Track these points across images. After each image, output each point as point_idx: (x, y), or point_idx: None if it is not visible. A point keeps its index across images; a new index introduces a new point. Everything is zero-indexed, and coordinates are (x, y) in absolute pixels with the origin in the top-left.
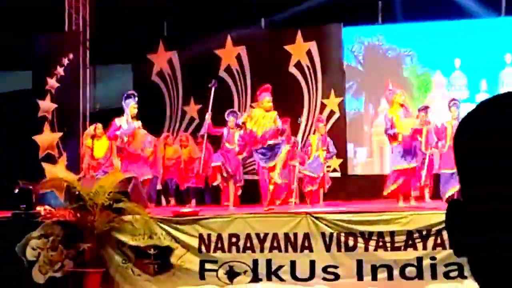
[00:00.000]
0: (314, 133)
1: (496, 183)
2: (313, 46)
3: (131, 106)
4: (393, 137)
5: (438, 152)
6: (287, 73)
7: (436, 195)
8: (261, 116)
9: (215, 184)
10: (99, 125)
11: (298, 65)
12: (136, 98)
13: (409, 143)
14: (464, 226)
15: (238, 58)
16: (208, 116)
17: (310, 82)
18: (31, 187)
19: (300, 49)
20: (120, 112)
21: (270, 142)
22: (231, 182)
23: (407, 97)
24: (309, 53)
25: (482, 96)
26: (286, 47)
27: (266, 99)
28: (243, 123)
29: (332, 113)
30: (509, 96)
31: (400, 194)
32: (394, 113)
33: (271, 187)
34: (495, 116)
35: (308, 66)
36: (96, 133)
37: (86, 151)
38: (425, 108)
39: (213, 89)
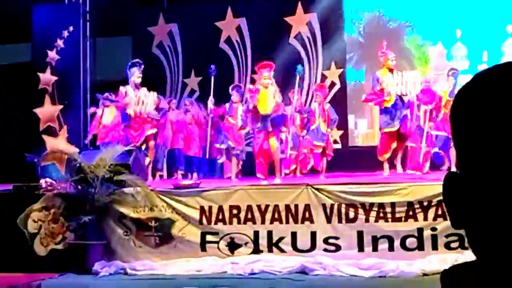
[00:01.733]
0: (315, 101)
1: (493, 155)
2: (313, 17)
3: (135, 74)
4: (379, 97)
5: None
6: (287, 45)
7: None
8: (262, 96)
9: (219, 161)
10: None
11: (299, 37)
12: (142, 66)
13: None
14: (461, 198)
15: (239, 29)
16: (210, 102)
17: (310, 53)
18: (36, 160)
19: (301, 21)
20: (119, 84)
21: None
22: (233, 156)
23: (408, 68)
24: (309, 24)
25: (483, 67)
26: (287, 19)
27: (264, 75)
28: (254, 107)
29: (333, 84)
30: (507, 66)
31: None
32: (383, 74)
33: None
34: (493, 87)
35: (308, 38)
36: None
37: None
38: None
39: (212, 76)
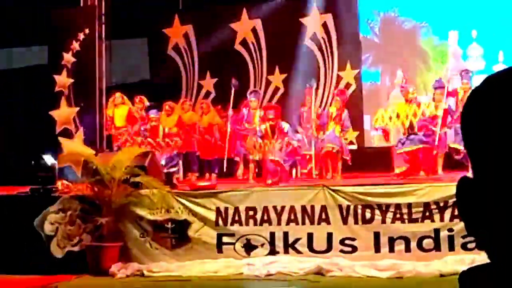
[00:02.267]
0: (331, 105)
1: (506, 160)
2: (328, 18)
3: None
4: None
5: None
6: (302, 46)
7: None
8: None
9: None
10: (117, 94)
11: (314, 38)
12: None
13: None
14: (474, 203)
15: (254, 31)
16: (231, 112)
17: (326, 54)
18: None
19: (316, 21)
20: (135, 86)
21: None
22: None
23: (423, 68)
24: (324, 25)
25: (499, 67)
26: (302, 20)
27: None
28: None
29: (348, 85)
30: None
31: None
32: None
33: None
34: (505, 90)
35: (323, 39)
36: (116, 102)
37: (108, 120)
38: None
39: (233, 88)
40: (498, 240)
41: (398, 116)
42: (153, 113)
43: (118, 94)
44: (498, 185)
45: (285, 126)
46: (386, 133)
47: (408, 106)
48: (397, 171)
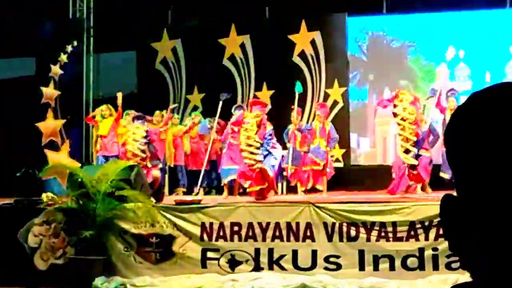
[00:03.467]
0: (316, 120)
1: (490, 179)
2: (317, 35)
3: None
4: None
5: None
6: (291, 63)
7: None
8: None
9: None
10: (104, 106)
11: (302, 55)
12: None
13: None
14: (458, 222)
15: (242, 47)
16: (215, 124)
17: (314, 71)
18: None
19: (304, 39)
20: (122, 100)
21: None
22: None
23: (411, 87)
24: (313, 42)
25: None
26: (290, 36)
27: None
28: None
29: (335, 103)
30: (502, 88)
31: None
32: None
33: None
34: (488, 109)
35: (312, 56)
36: (103, 114)
37: (95, 127)
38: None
39: (221, 101)
40: (481, 258)
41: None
42: (138, 123)
43: (104, 106)
44: (482, 203)
45: (269, 127)
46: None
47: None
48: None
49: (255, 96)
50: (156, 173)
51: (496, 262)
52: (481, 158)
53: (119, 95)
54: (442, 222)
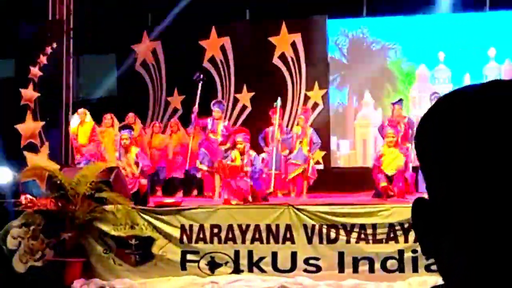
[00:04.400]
0: (297, 124)
1: (460, 182)
2: (297, 38)
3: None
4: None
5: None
6: (271, 65)
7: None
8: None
9: (198, 175)
10: (80, 110)
11: (282, 57)
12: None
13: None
14: (429, 225)
15: (223, 49)
16: (194, 109)
17: (294, 74)
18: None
19: (285, 41)
20: (102, 102)
21: None
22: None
23: (391, 89)
24: (293, 44)
25: None
26: (271, 39)
27: (238, 140)
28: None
29: (315, 105)
30: (469, 90)
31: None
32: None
33: None
34: (458, 111)
35: (292, 58)
36: (79, 118)
37: (72, 138)
38: (399, 101)
39: (200, 82)
40: (450, 263)
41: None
42: (125, 132)
43: (81, 110)
44: (452, 207)
45: (252, 154)
46: None
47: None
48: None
49: (235, 98)
50: (143, 181)
51: (470, 263)
52: (457, 160)
53: None
54: (415, 225)
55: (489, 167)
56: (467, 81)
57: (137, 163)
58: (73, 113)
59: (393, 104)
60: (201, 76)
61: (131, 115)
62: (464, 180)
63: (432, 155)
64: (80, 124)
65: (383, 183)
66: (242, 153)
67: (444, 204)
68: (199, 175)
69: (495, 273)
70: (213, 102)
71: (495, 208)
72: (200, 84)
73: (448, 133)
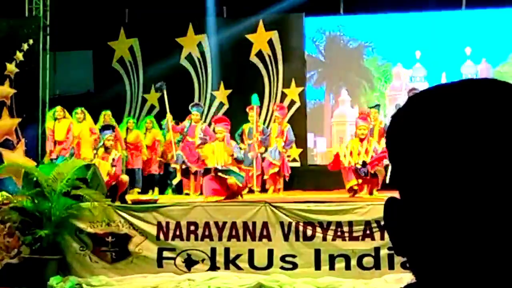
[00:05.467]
0: (274, 122)
1: (430, 181)
2: (274, 35)
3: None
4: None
5: None
6: (248, 62)
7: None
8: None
9: (173, 181)
10: (58, 108)
11: (260, 54)
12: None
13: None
14: (401, 225)
15: (200, 46)
16: (168, 119)
17: (271, 71)
18: None
19: (262, 38)
20: (79, 98)
21: None
22: (192, 174)
23: (367, 87)
24: (270, 42)
25: None
26: (248, 36)
27: (218, 129)
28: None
29: (292, 102)
30: (440, 89)
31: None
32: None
33: None
34: (428, 110)
35: (269, 55)
36: (56, 116)
37: (48, 134)
38: (376, 106)
39: (164, 91)
40: (421, 262)
41: (351, 154)
42: (108, 133)
43: (59, 108)
44: (422, 206)
45: (233, 143)
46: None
47: (360, 144)
48: (347, 186)
49: (211, 96)
50: (125, 177)
51: (440, 262)
52: (420, 163)
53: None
54: (387, 225)
55: (457, 167)
56: (443, 80)
57: (113, 166)
58: (49, 110)
59: (370, 108)
60: (163, 86)
61: (107, 113)
62: (435, 180)
63: (403, 155)
64: (57, 121)
65: (352, 182)
66: (222, 141)
67: (414, 203)
68: (175, 180)
69: (462, 273)
70: (191, 104)
71: (460, 208)
72: (165, 92)
73: (419, 132)
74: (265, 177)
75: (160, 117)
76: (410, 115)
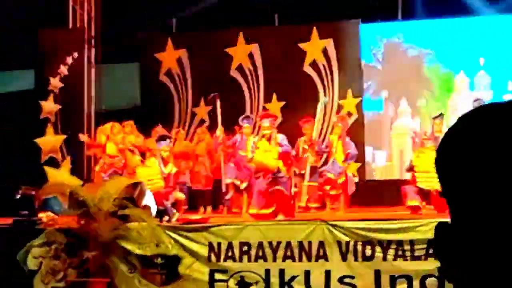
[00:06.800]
0: (332, 134)
1: (483, 206)
2: (329, 43)
3: (162, 147)
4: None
5: None
6: (301, 73)
7: None
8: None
9: (227, 197)
10: (116, 124)
11: (314, 64)
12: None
13: None
14: (453, 250)
15: (251, 56)
16: (220, 132)
17: (326, 82)
18: (33, 192)
19: (316, 47)
20: (125, 112)
21: None
22: (244, 191)
23: (429, 97)
24: (325, 51)
25: (508, 97)
26: (301, 45)
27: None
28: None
29: (349, 114)
30: (492, 109)
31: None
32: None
33: None
34: (481, 132)
35: (324, 65)
36: (113, 132)
37: (98, 150)
38: (440, 116)
39: (218, 102)
40: (473, 283)
41: None
42: (164, 144)
43: (116, 124)
44: (475, 230)
45: (279, 136)
46: None
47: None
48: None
49: (264, 108)
50: (180, 195)
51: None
52: (471, 184)
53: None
54: (437, 249)
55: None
56: (510, 87)
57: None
58: (96, 125)
59: (433, 118)
60: (215, 98)
61: (159, 128)
62: (474, 207)
63: (449, 180)
64: (109, 137)
65: (413, 202)
66: (268, 139)
67: (460, 229)
68: (228, 196)
69: None
70: (241, 117)
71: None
72: (218, 104)
73: (472, 157)
74: (319, 192)
75: (209, 130)
76: (462, 136)
